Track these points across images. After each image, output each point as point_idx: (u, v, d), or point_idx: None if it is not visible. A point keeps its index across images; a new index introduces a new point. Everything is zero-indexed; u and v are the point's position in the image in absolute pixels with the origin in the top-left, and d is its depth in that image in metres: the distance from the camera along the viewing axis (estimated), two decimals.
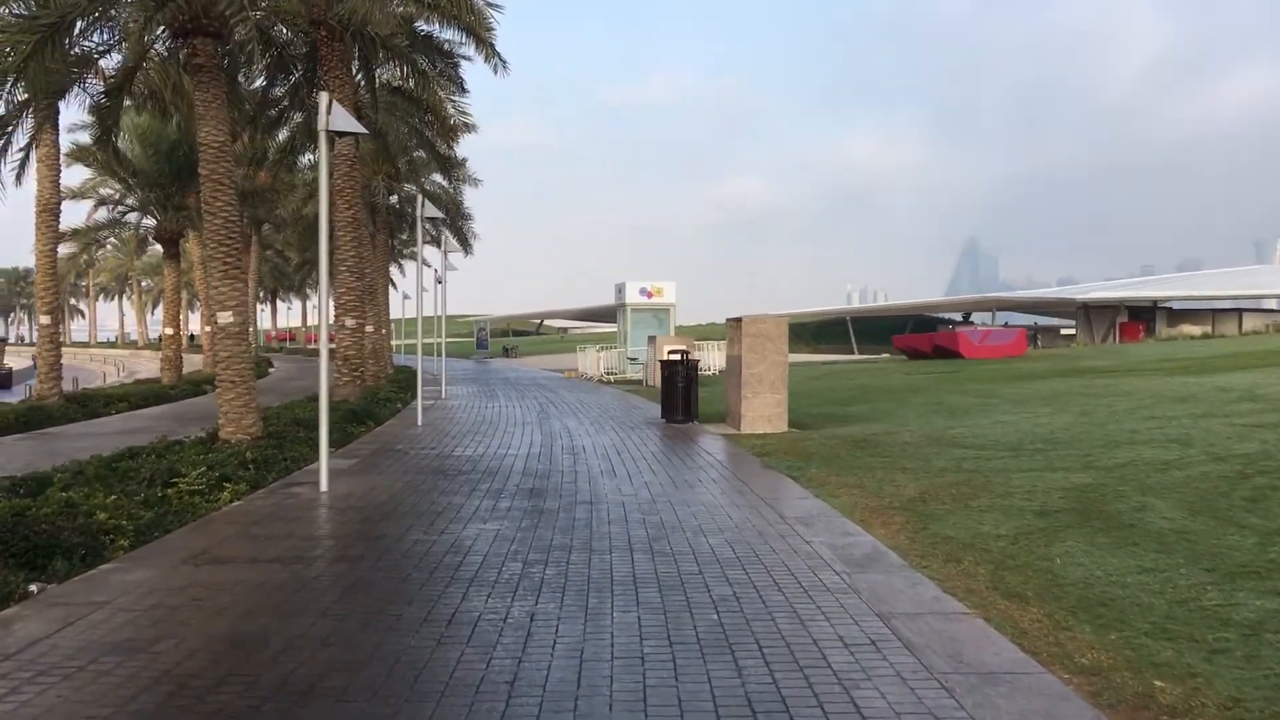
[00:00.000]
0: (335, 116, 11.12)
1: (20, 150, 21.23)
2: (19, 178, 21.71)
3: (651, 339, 32.83)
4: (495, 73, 22.84)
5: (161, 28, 15.22)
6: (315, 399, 21.88)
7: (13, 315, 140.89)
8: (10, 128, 19.53)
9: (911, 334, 49.95)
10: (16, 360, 72.11)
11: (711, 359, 36.96)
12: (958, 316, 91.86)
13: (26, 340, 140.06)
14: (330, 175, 30.57)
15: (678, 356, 19.77)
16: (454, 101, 22.62)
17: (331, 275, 32.77)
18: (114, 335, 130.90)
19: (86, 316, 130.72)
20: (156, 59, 21.12)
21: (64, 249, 34.02)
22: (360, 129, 11.60)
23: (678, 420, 19.24)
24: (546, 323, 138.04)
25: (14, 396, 36.16)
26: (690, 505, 10.35)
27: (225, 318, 14.72)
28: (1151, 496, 9.43)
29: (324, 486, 11.32)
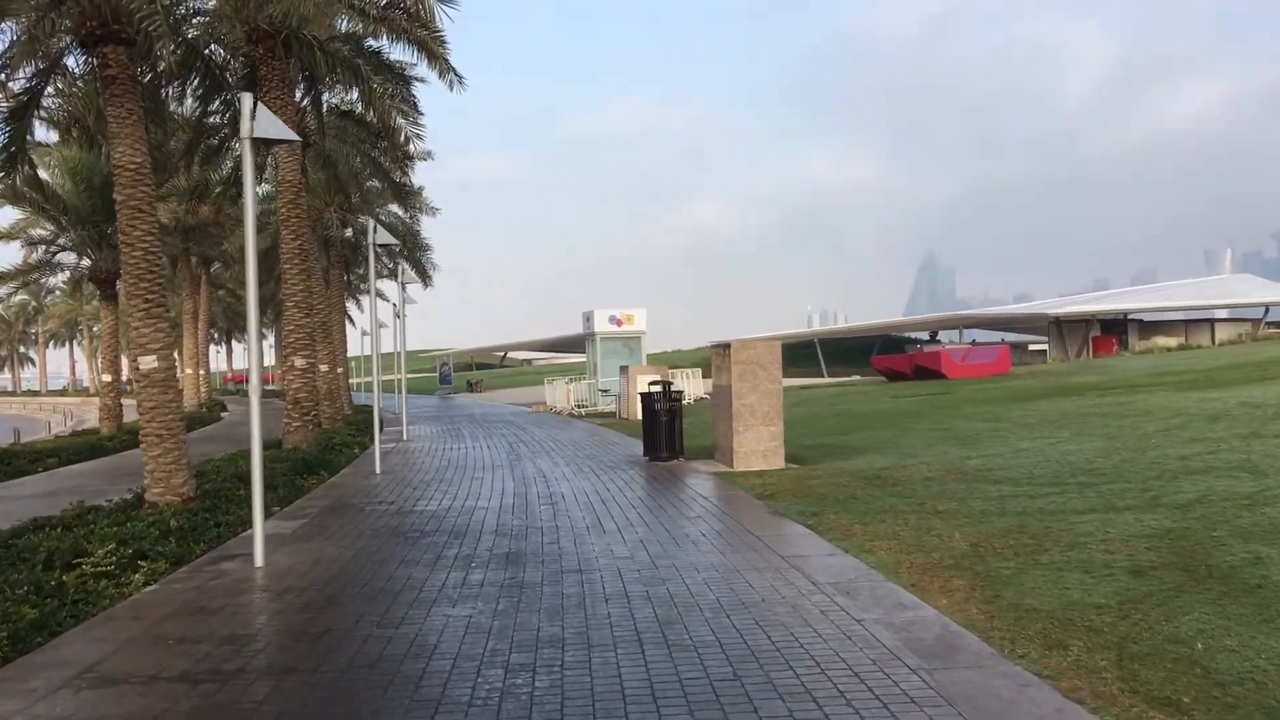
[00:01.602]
0: (261, 121, 9.39)
1: None
2: None
3: (624, 369, 31.18)
4: (451, 89, 21.25)
5: (68, 35, 13.42)
6: (268, 446, 20.11)
7: None
8: None
9: (889, 354, 48.58)
10: None
11: (686, 388, 35.30)
12: (924, 335, 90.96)
13: None
14: (273, 201, 28.87)
15: (659, 388, 18.08)
16: (410, 118, 20.91)
17: (279, 312, 30.87)
18: (66, 383, 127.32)
19: (37, 364, 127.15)
20: (76, 81, 19.33)
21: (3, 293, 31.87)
22: (292, 135, 9.88)
23: (662, 458, 17.55)
24: (511, 355, 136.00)
25: None
26: (699, 569, 8.63)
27: (148, 362, 12.87)
28: (1259, 543, 7.83)
29: (259, 560, 9.50)
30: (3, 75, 13.96)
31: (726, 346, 16.60)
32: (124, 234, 12.97)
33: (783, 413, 16.17)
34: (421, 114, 21.99)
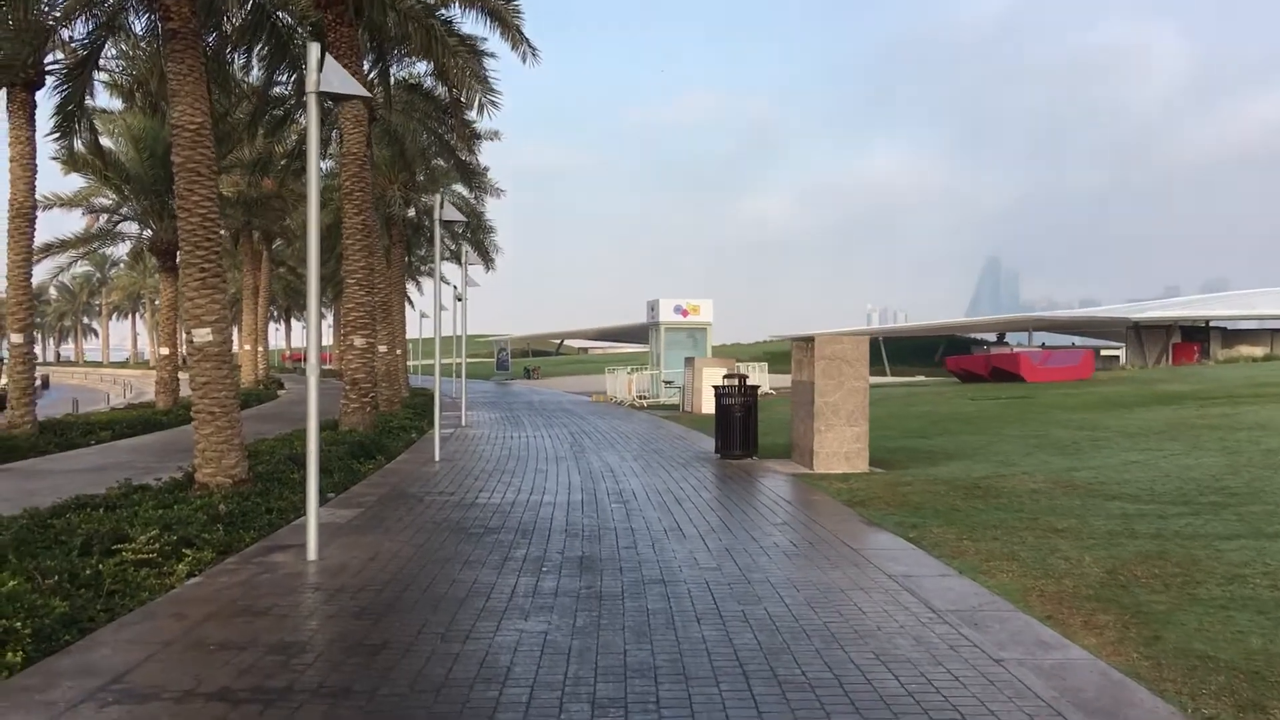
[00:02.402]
0: (328, 75, 8.58)
1: None
2: None
3: (689, 361, 30.21)
4: (524, 61, 20.41)
5: None
6: (324, 427, 19.44)
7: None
8: None
9: (962, 355, 47.14)
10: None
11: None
12: (991, 337, 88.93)
13: (40, 359, 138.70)
14: (336, 178, 28.27)
15: (734, 381, 17.12)
16: (484, 86, 19.81)
17: (339, 292, 30.35)
18: (128, 355, 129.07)
19: (100, 336, 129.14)
20: (139, 44, 18.79)
21: (53, 264, 31.70)
22: (360, 90, 9.07)
23: (735, 456, 16.59)
24: (567, 343, 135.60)
25: (47, 412, 34.67)
26: (797, 586, 7.69)
27: (202, 335, 12.18)
28: None
29: (312, 553, 8.71)
30: (62, 30, 13.27)
31: (809, 340, 15.61)
32: (181, 199, 12.29)
33: (868, 412, 15.16)
34: (496, 79, 20.85)
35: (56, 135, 17.56)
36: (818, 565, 8.50)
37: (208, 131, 12.34)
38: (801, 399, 15.87)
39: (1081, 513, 10.24)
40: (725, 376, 17.53)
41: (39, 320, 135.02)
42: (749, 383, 17.21)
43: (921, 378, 57.33)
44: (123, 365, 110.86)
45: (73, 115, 15.56)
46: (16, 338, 19.59)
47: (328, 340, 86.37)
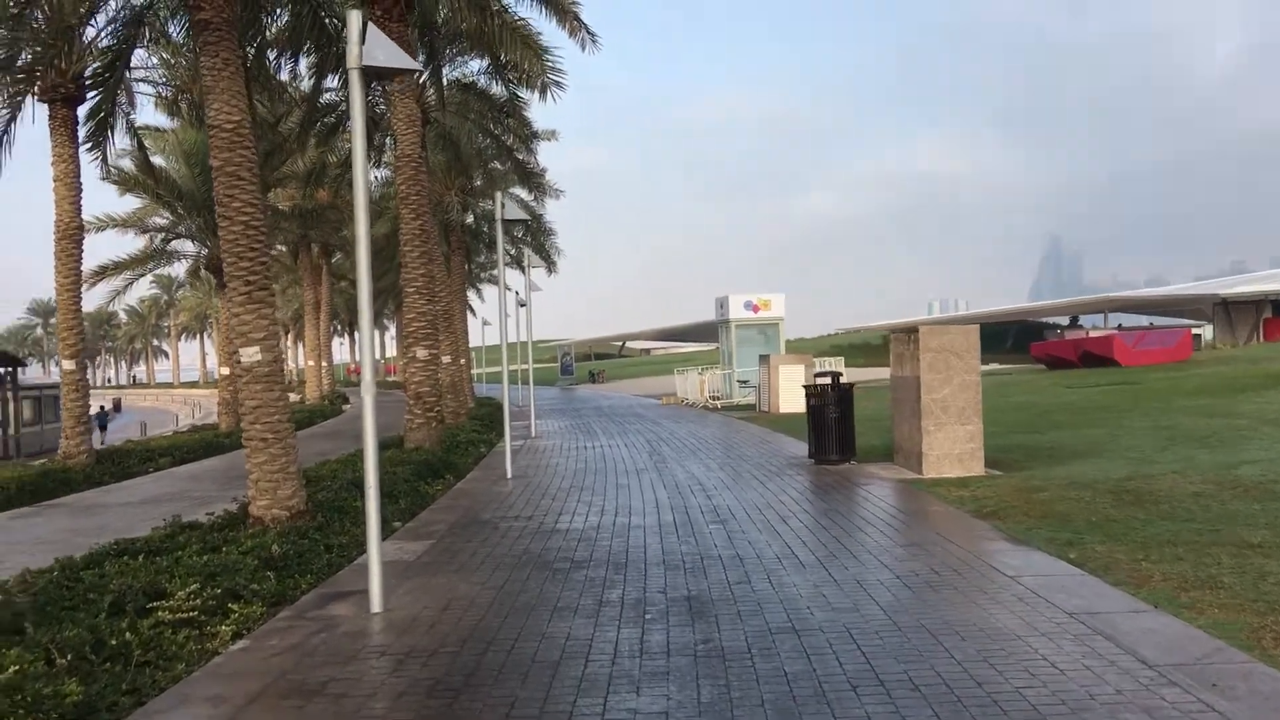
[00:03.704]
0: (372, 47, 7.36)
1: None
2: None
3: (764, 358, 28.79)
4: (583, 49, 19.10)
5: None
6: (388, 445, 18.41)
7: (99, 359, 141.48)
8: None
9: (1053, 340, 45.09)
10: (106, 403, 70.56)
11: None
12: (1064, 320, 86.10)
13: (112, 382, 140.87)
14: (391, 186, 27.28)
15: (827, 380, 15.71)
16: (544, 57, 18.28)
17: (400, 303, 29.42)
18: (198, 375, 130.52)
19: (170, 357, 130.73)
20: (182, 51, 17.87)
21: (109, 287, 31.09)
22: (410, 63, 7.86)
23: (831, 460, 15.17)
24: (629, 344, 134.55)
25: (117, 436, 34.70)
26: (961, 634, 6.30)
27: (250, 354, 11.06)
28: None
29: (376, 604, 7.49)
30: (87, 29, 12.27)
31: (912, 332, 14.16)
32: (221, 205, 11.20)
33: (981, 408, 13.67)
34: (559, 55, 19.26)
35: (90, 145, 16.70)
36: (973, 600, 7.09)
37: (247, 130, 11.23)
38: (904, 396, 14.41)
39: (1273, 521, 8.70)
40: (817, 375, 16.13)
41: (110, 344, 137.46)
42: (843, 381, 15.76)
43: (995, 365, 55.22)
44: (193, 386, 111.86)
45: (105, 123, 14.64)
46: (68, 364, 18.76)
47: (390, 352, 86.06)
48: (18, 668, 5.61)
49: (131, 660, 6.28)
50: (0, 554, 10.80)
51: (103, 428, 46.99)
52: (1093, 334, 40.42)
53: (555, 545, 9.81)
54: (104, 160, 18.91)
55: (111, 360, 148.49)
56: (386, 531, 10.71)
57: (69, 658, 5.96)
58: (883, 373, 40.17)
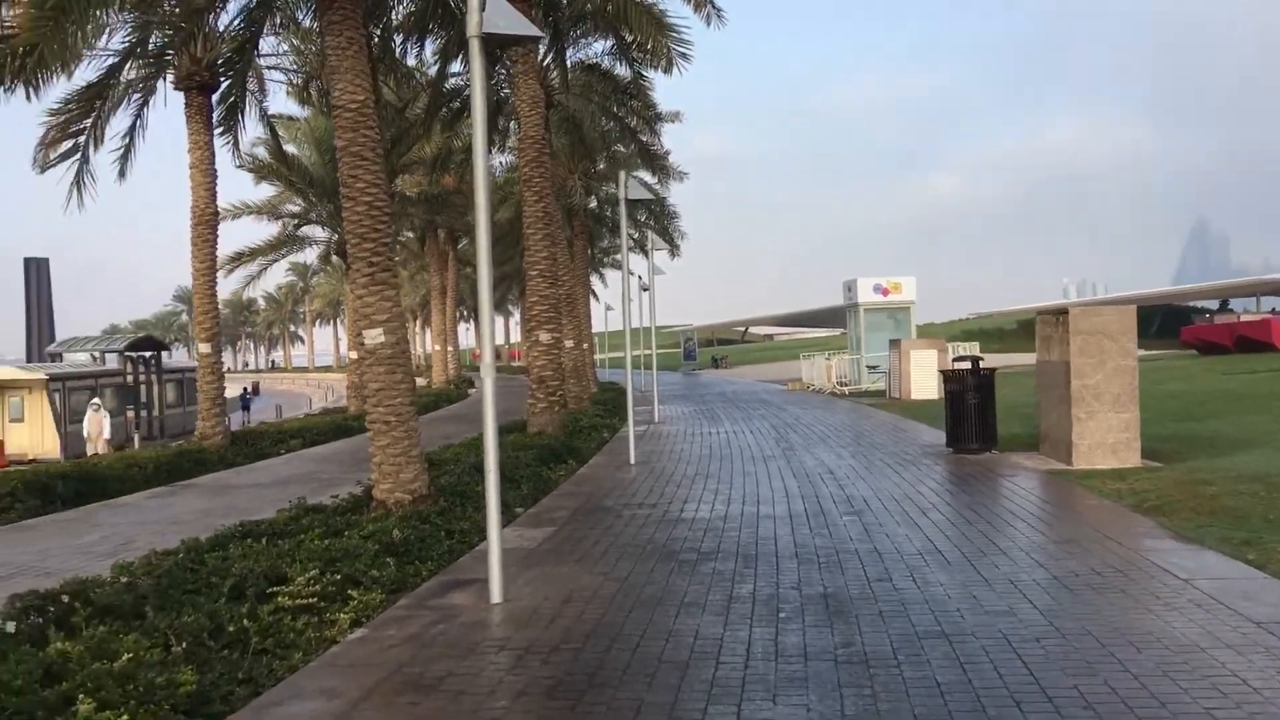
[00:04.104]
0: (493, 13, 7.03)
1: (124, 135, 18.29)
2: (122, 169, 18.84)
3: (894, 343, 27.89)
4: (708, 24, 18.58)
5: None
6: (511, 429, 18.32)
7: (239, 344, 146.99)
8: (104, 100, 16.27)
9: (1204, 324, 42.86)
10: (234, 388, 73.19)
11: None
12: (1213, 304, 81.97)
13: (250, 367, 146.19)
14: (514, 171, 27.20)
15: (966, 365, 14.94)
16: (670, 28, 17.61)
17: (524, 289, 29.50)
18: (331, 360, 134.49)
19: (306, 342, 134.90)
20: (314, 39, 17.99)
21: (244, 273, 31.92)
22: (532, 30, 7.61)
23: (971, 450, 14.41)
24: (751, 330, 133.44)
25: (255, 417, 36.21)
26: (1134, 642, 5.67)
27: (373, 336, 10.93)
28: None
29: (496, 594, 7.20)
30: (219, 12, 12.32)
31: (1061, 314, 13.32)
32: (345, 186, 11.10)
33: (1137, 396, 12.76)
34: (685, 30, 18.63)
35: (221, 130, 16.97)
36: (1144, 605, 6.42)
37: (371, 110, 11.10)
38: (1052, 381, 13.57)
39: None
40: (956, 359, 15.36)
41: (249, 329, 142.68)
42: (984, 366, 14.96)
43: (1142, 351, 52.71)
44: (326, 370, 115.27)
45: (236, 107, 14.81)
46: (204, 347, 19.17)
47: (515, 337, 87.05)
48: (132, 655, 5.46)
49: (249, 648, 6.12)
50: (133, 534, 10.96)
51: (246, 408, 48.79)
52: (1245, 318, 38.16)
53: (681, 535, 9.40)
54: (235, 145, 19.26)
55: (251, 345, 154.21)
56: (508, 518, 10.48)
57: (184, 645, 5.80)
58: (1018, 358, 38.73)
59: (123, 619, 6.37)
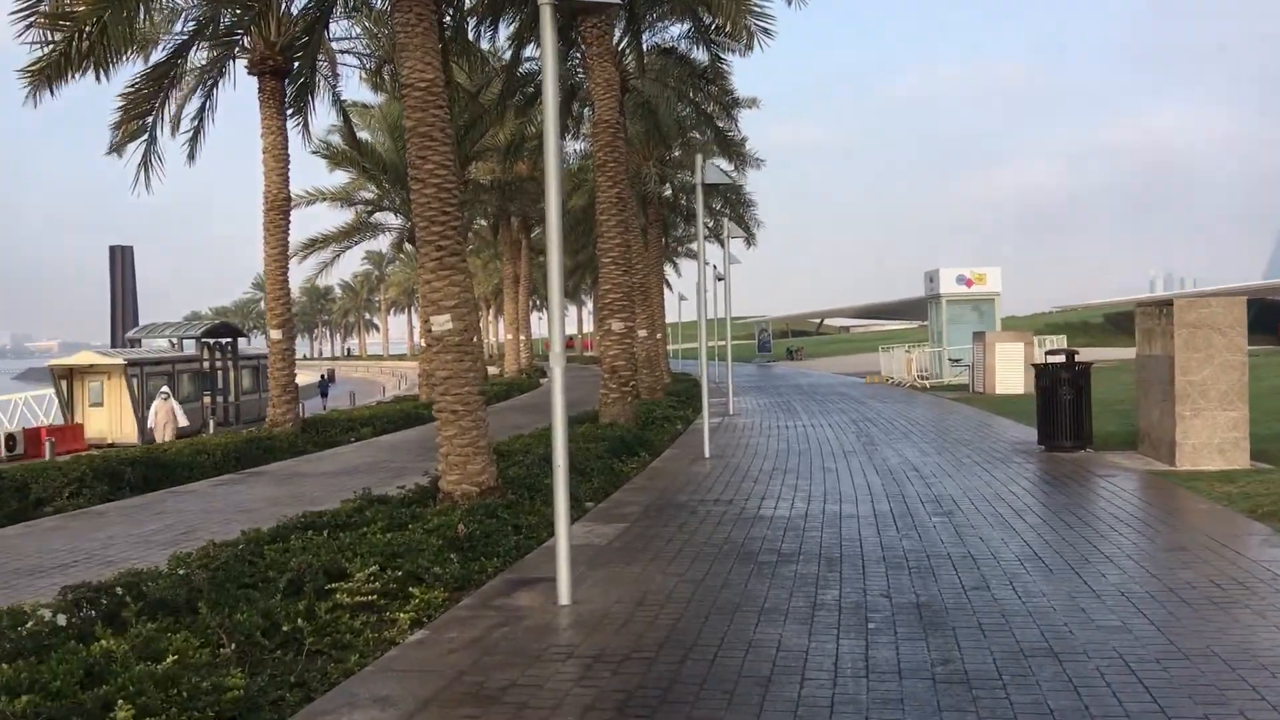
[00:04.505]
0: None
1: (193, 119, 18.24)
2: (192, 152, 18.80)
3: (978, 336, 27.02)
4: (790, 3, 17.91)
5: None
6: (583, 420, 17.96)
7: (315, 332, 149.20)
8: (168, 81, 16.16)
9: None
10: (310, 375, 74.19)
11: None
12: None
13: (325, 355, 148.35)
14: (588, 159, 26.82)
15: (1060, 359, 14.22)
16: (755, 7, 16.89)
17: (597, 278, 29.15)
18: (405, 348, 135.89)
19: (381, 330, 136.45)
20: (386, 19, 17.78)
21: (317, 260, 32.01)
22: None
23: (1065, 448, 13.70)
24: (827, 322, 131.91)
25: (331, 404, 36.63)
26: (1265, 664, 5.08)
27: (441, 322, 10.60)
28: None
29: (564, 596, 6.79)
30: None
31: (1165, 305, 12.56)
32: (413, 168, 10.74)
33: (1247, 393, 11.96)
34: (768, 12, 17.89)
35: (292, 111, 16.83)
36: (1274, 623, 5.81)
37: (440, 90, 10.74)
38: (1154, 377, 12.80)
39: None
40: (1048, 353, 14.63)
41: (325, 317, 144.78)
42: (1080, 360, 14.21)
43: None
44: (401, 358, 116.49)
45: (306, 88, 14.62)
46: (276, 334, 19.10)
47: (588, 327, 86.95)
48: (178, 656, 5.15)
49: (304, 648, 5.80)
50: (197, 522, 10.79)
51: (324, 394, 49.38)
52: None
53: (759, 534, 8.92)
54: (305, 126, 19.13)
55: (327, 333, 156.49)
56: (578, 512, 10.10)
57: (234, 645, 5.48)
58: (1105, 352, 37.44)
59: (175, 614, 6.10)
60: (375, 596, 6.69)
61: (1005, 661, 5.33)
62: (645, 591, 7.02)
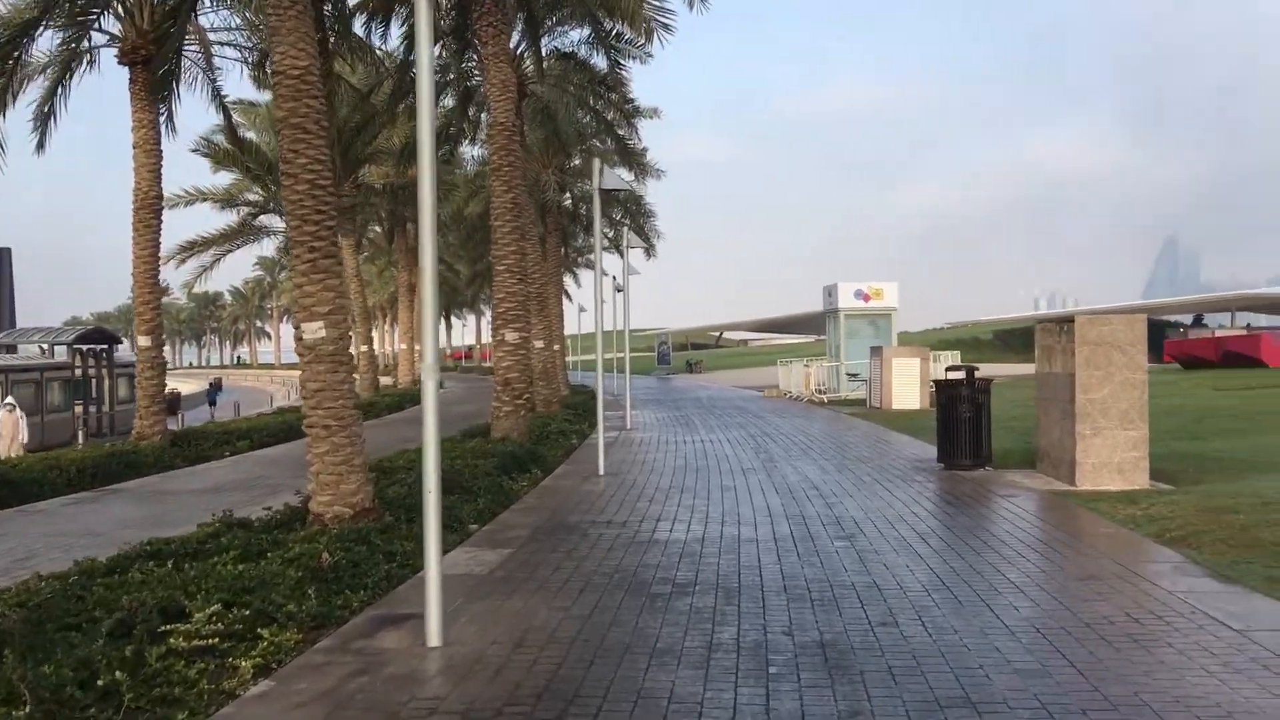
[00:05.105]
0: None
1: (42, 104, 16.96)
2: (41, 140, 17.56)
3: (875, 350, 26.96)
4: (691, 7, 17.46)
5: None
6: (474, 434, 17.19)
7: (204, 339, 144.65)
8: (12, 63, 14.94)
9: (1191, 339, 42.21)
10: (196, 384, 71.52)
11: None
12: (1188, 319, 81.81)
13: (214, 363, 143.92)
14: (486, 164, 25.97)
15: (960, 375, 13.97)
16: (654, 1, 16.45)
17: (489, 279, 28.37)
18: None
19: (273, 338, 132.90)
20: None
21: (196, 264, 30.57)
22: None
23: (964, 466, 13.43)
24: (726, 335, 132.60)
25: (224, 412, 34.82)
26: (1199, 716, 4.65)
27: (313, 330, 9.80)
28: None
29: (434, 638, 6.09)
30: None
31: (1066, 322, 12.38)
32: (285, 162, 9.93)
33: (1147, 412, 11.81)
34: (667, 7, 17.46)
35: (156, 100, 15.73)
36: (1200, 666, 5.40)
37: (315, 78, 9.95)
38: (1054, 395, 12.61)
39: None
40: (949, 369, 14.41)
41: (214, 324, 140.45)
42: (980, 377, 13.98)
43: None
44: (293, 367, 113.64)
45: (170, 76, 13.60)
46: (144, 340, 17.91)
47: (487, 337, 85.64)
48: None
49: (122, 705, 5.00)
50: (33, 548, 9.77)
51: (212, 403, 47.43)
52: (1234, 333, 37.49)
53: (653, 561, 8.33)
54: (170, 118, 17.93)
55: (216, 341, 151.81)
56: (461, 535, 9.40)
57: (28, 706, 4.66)
58: (997, 369, 37.87)
59: None
60: (217, 639, 5.90)
61: (920, 714, 4.81)
62: (526, 630, 6.36)
